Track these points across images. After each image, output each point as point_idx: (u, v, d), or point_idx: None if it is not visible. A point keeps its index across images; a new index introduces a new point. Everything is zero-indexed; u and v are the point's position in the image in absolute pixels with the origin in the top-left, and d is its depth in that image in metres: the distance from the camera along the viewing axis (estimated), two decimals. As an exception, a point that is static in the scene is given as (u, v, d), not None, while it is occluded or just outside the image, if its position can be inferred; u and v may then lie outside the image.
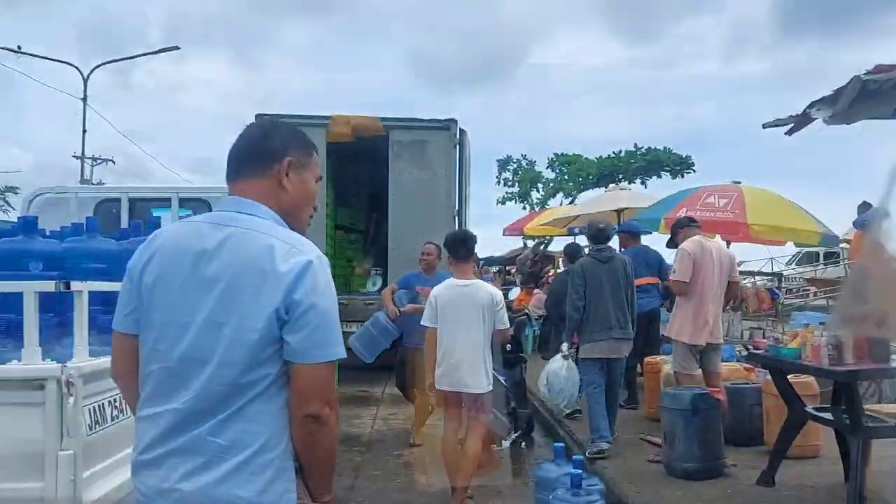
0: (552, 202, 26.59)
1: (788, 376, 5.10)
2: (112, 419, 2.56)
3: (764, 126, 5.06)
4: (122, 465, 2.62)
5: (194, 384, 1.70)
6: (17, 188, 24.52)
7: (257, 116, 9.07)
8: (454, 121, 9.42)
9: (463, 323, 4.86)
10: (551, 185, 27.48)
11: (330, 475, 1.91)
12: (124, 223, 5.20)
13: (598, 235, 6.44)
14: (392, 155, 9.35)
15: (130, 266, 1.86)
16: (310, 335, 1.70)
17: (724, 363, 6.41)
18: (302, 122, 9.31)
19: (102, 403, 2.51)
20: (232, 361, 1.69)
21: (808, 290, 17.27)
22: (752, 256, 17.77)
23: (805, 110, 4.57)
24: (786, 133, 4.94)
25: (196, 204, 5.78)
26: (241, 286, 1.71)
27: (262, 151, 1.87)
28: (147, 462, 1.73)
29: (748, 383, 6.43)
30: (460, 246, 5.18)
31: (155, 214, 4.75)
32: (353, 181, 11.07)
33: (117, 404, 2.61)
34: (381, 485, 5.69)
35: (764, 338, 8.14)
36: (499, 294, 5.15)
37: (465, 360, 4.80)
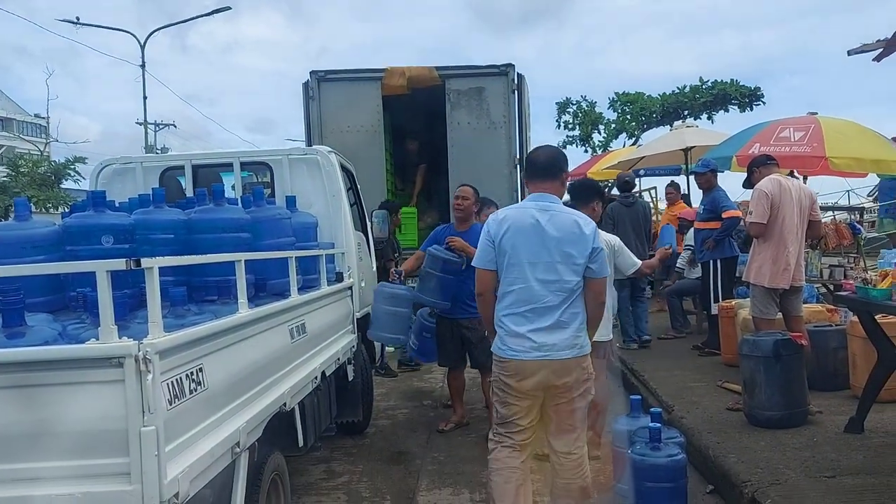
0: (615, 144, 25.92)
1: (877, 317, 4.85)
2: (190, 392, 2.58)
3: (849, 53, 4.75)
4: (202, 436, 2.66)
5: (546, 296, 3.48)
6: (85, 158, 25.30)
7: (312, 73, 9.04)
8: (512, 65, 9.14)
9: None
10: (613, 126, 26.72)
11: (596, 322, 3.72)
12: (189, 190, 5.22)
13: (624, 186, 8.97)
14: (449, 105, 9.17)
15: (493, 232, 3.57)
16: (601, 265, 3.56)
17: (805, 305, 6.16)
18: (357, 77, 9.23)
19: (180, 378, 2.52)
20: (567, 280, 3.49)
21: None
22: (829, 189, 17.01)
23: (896, 34, 4.24)
24: (874, 59, 4.60)
25: (257, 167, 5.77)
26: (567, 241, 3.49)
27: (556, 164, 3.71)
28: (517, 335, 3.49)
29: (831, 325, 6.18)
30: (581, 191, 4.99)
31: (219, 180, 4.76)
32: (411, 134, 10.95)
33: (194, 377, 2.63)
34: (456, 439, 5.73)
35: (845, 276, 7.82)
36: None
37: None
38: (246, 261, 3.38)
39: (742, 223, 7.39)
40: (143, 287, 2.53)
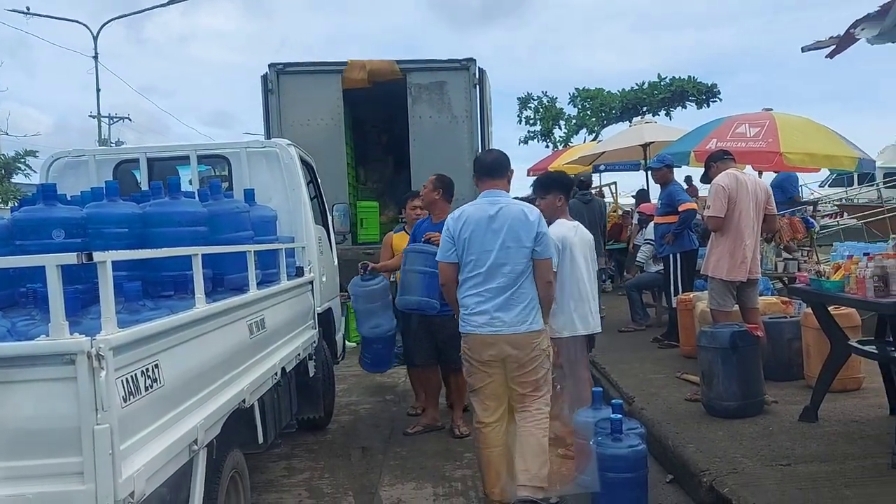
0: (575, 139, 26.04)
1: (830, 308, 4.96)
2: (146, 389, 2.51)
3: (803, 49, 4.82)
4: (159, 434, 2.59)
5: (500, 275, 3.97)
6: (36, 152, 24.60)
7: (271, 66, 8.92)
8: (473, 60, 9.15)
9: (583, 263, 4.88)
10: (573, 121, 26.86)
11: (548, 308, 4.20)
12: (144, 184, 5.11)
13: (581, 185, 9.97)
14: (410, 99, 9.14)
15: (452, 229, 4.07)
16: (545, 247, 4.03)
17: (760, 297, 6.28)
18: (317, 70, 9.14)
19: (135, 374, 2.45)
20: (517, 263, 3.98)
21: (842, 214, 16.88)
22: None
23: (848, 30, 4.33)
24: (827, 56, 4.70)
25: (215, 161, 5.66)
26: (516, 227, 3.99)
27: (501, 165, 4.27)
28: (477, 313, 4.01)
29: (786, 317, 6.30)
30: (571, 185, 5.38)
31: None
32: (373, 128, 10.89)
33: (150, 374, 2.56)
34: (419, 434, 5.71)
35: (799, 269, 7.99)
36: None
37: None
38: (203, 255, 3.31)
39: (700, 217, 7.52)
40: (97, 282, 2.45)
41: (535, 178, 18.98)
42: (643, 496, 3.84)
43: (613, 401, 4.26)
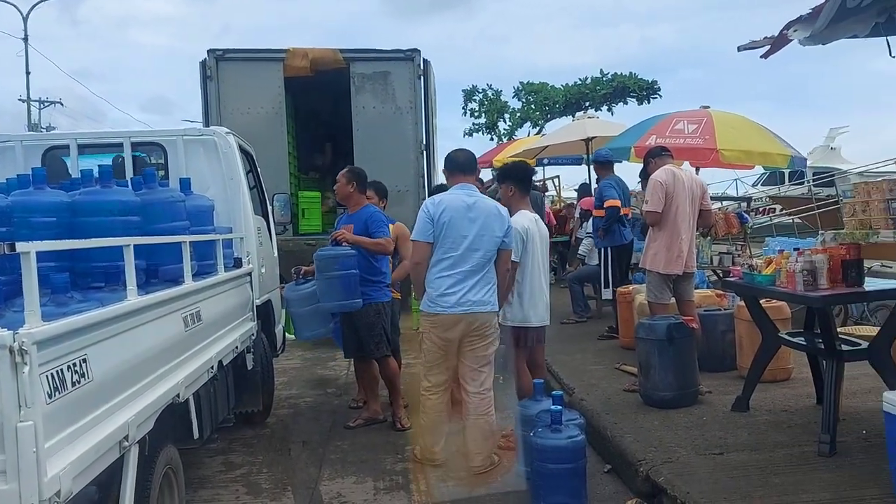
0: (520, 132, 26.31)
1: (761, 301, 5.11)
2: (73, 384, 2.42)
3: (739, 49, 4.93)
4: (87, 431, 2.50)
5: (472, 259, 4.34)
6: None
7: (210, 52, 8.71)
8: (417, 51, 9.11)
9: (540, 256, 4.97)
10: (518, 115, 27.11)
11: (505, 293, 4.62)
12: (75, 172, 4.91)
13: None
14: (353, 88, 9.05)
15: (432, 212, 4.39)
16: (511, 238, 4.49)
17: (696, 290, 6.43)
18: (258, 57, 8.96)
19: (61, 369, 2.36)
20: (490, 249, 4.40)
21: (774, 208, 17.46)
22: (718, 179, 17.85)
23: (782, 31, 4.44)
24: (762, 56, 4.82)
25: (150, 148, 5.48)
26: (491, 220, 4.41)
27: (473, 163, 4.79)
28: (449, 294, 4.33)
29: (720, 309, 6.48)
30: (528, 177, 5.34)
31: (105, 162, 4.47)
32: (315, 117, 10.74)
33: (77, 369, 2.47)
34: (361, 427, 5.66)
35: (734, 263, 8.23)
36: None
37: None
38: (135, 245, 3.20)
39: (639, 212, 7.67)
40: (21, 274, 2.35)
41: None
42: (582, 486, 3.90)
43: (554, 392, 4.31)
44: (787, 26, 4.41)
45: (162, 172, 5.17)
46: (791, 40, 4.47)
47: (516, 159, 14.36)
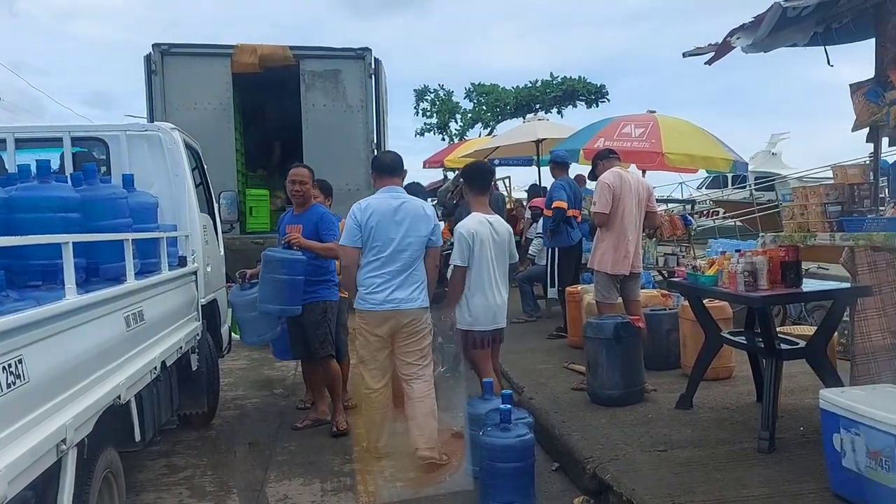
0: (471, 133, 26.42)
1: (704, 301, 5.23)
2: (7, 386, 2.33)
3: (685, 55, 5.04)
4: (22, 433, 2.41)
5: (400, 260, 4.51)
6: None
7: (155, 46, 8.51)
8: (369, 49, 9.06)
9: (493, 259, 4.83)
10: (469, 115, 27.23)
11: (433, 286, 4.75)
12: (12, 167, 4.74)
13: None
14: (303, 86, 8.96)
15: (359, 217, 4.52)
16: (437, 237, 4.67)
17: (641, 290, 6.55)
18: (205, 52, 8.79)
19: (-7, 371, 2.27)
20: (416, 250, 4.55)
21: (717, 210, 17.93)
22: (664, 182, 18.26)
23: (725, 39, 4.56)
24: (706, 63, 4.93)
25: (91, 143, 5.32)
26: (417, 220, 4.56)
27: (400, 165, 4.84)
28: (377, 292, 4.49)
29: (665, 309, 6.61)
30: (483, 177, 5.12)
31: (45, 157, 4.31)
32: (263, 114, 10.59)
33: (12, 370, 2.37)
34: (308, 429, 5.59)
35: (678, 264, 8.41)
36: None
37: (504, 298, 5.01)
38: (74, 243, 3.09)
39: (586, 212, 7.79)
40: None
41: (430, 169, 19.15)
42: (530, 484, 3.92)
43: (503, 391, 4.33)
44: (731, 34, 4.53)
45: (104, 168, 5.03)
46: (734, 47, 4.59)
47: (468, 159, 14.47)
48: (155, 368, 3.89)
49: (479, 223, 4.83)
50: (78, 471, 2.84)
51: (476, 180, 5.08)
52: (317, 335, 5.40)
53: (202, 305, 5.30)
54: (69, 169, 4.87)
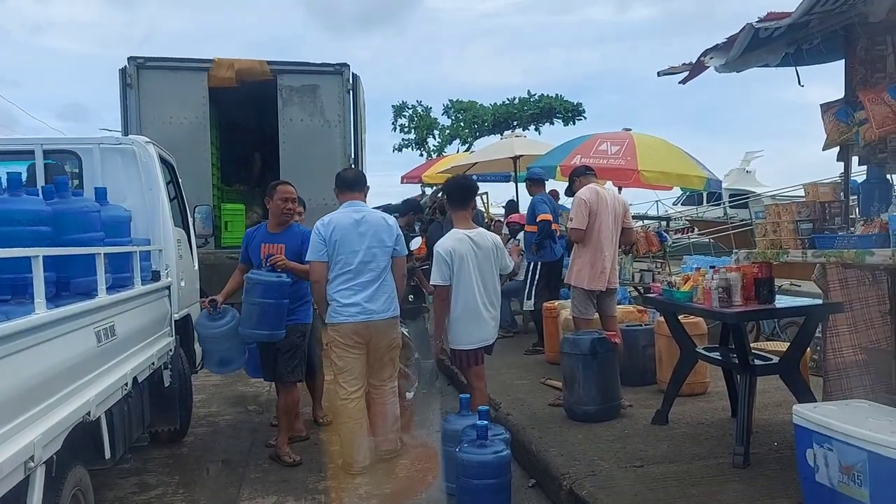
0: (449, 149, 26.46)
1: (679, 317, 5.27)
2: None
3: (659, 74, 5.10)
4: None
5: (367, 272, 4.67)
6: None
7: (130, 59, 8.44)
8: (347, 65, 9.05)
9: (477, 275, 4.77)
10: (447, 131, 27.31)
11: (401, 294, 4.98)
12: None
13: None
14: (281, 101, 8.91)
15: (323, 233, 4.65)
16: (402, 246, 4.87)
17: (618, 306, 6.59)
18: (181, 66, 8.73)
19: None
20: (381, 260, 4.71)
21: (693, 228, 18.12)
22: (640, 199, 18.43)
23: (699, 58, 4.62)
24: (680, 82, 5.00)
25: (63, 156, 5.26)
26: (380, 231, 4.73)
27: (361, 181, 5.03)
28: (349, 305, 4.61)
29: (641, 325, 6.65)
30: (463, 192, 5.03)
31: (15, 169, 4.23)
32: (240, 129, 10.53)
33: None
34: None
35: (654, 280, 8.47)
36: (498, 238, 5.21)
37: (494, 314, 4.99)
38: (45, 257, 3.05)
39: (564, 228, 7.83)
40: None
41: (408, 184, 19.14)
42: (506, 501, 3.90)
43: (480, 407, 4.31)
44: (704, 53, 4.60)
45: (76, 182, 4.97)
46: (708, 67, 4.66)
47: (446, 175, 14.52)
48: (126, 384, 3.83)
49: (458, 240, 4.76)
50: (46, 489, 2.78)
51: (456, 195, 5.05)
52: (291, 359, 5.14)
53: (175, 321, 5.24)
54: (41, 182, 4.81)
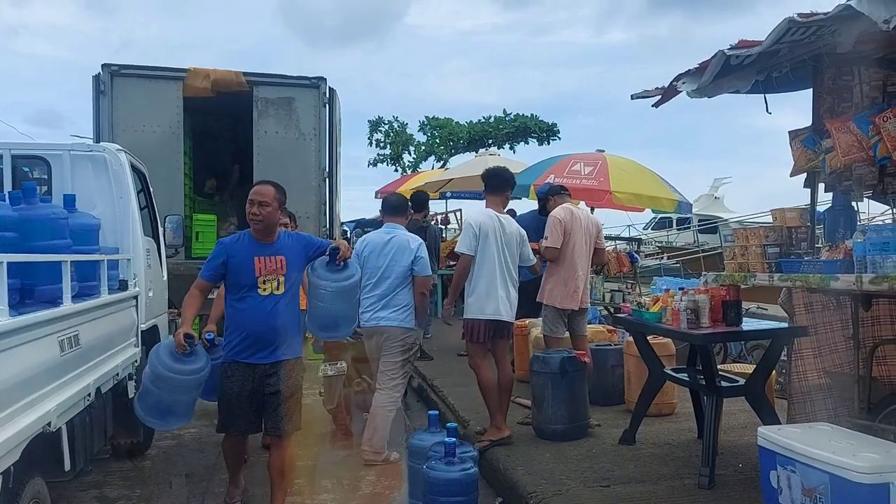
0: (424, 165, 26.51)
1: (648, 337, 5.31)
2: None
3: (632, 97, 5.17)
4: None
5: (384, 285, 5.32)
6: None
7: (104, 66, 8.36)
8: (323, 79, 9.06)
9: (498, 254, 5.34)
10: (423, 148, 27.37)
11: (422, 313, 5.53)
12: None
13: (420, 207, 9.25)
14: (256, 113, 8.88)
15: (358, 251, 5.37)
16: (422, 266, 5.38)
17: (588, 325, 6.61)
18: (156, 75, 8.66)
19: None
20: (399, 276, 5.33)
21: (662, 255, 18.33)
22: (613, 222, 18.63)
23: (672, 83, 4.70)
24: (653, 105, 5.07)
25: (33, 162, 5.18)
26: (400, 252, 5.36)
27: (404, 206, 5.93)
28: (367, 311, 5.31)
29: (611, 345, 6.68)
30: (497, 180, 5.60)
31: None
32: (215, 140, 10.46)
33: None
34: (251, 459, 5.44)
35: (624, 300, 8.54)
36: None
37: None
38: (9, 263, 2.99)
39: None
40: None
41: (383, 199, 19.12)
42: (473, 519, 3.88)
43: (449, 424, 4.30)
44: (677, 78, 4.67)
45: (45, 188, 4.89)
46: (680, 91, 4.73)
47: (420, 190, 14.54)
48: (89, 395, 3.76)
49: (488, 216, 5.38)
50: (3, 500, 2.72)
51: (491, 181, 5.63)
52: (290, 405, 4.19)
53: (142, 331, 5.16)
54: (8, 187, 4.73)
